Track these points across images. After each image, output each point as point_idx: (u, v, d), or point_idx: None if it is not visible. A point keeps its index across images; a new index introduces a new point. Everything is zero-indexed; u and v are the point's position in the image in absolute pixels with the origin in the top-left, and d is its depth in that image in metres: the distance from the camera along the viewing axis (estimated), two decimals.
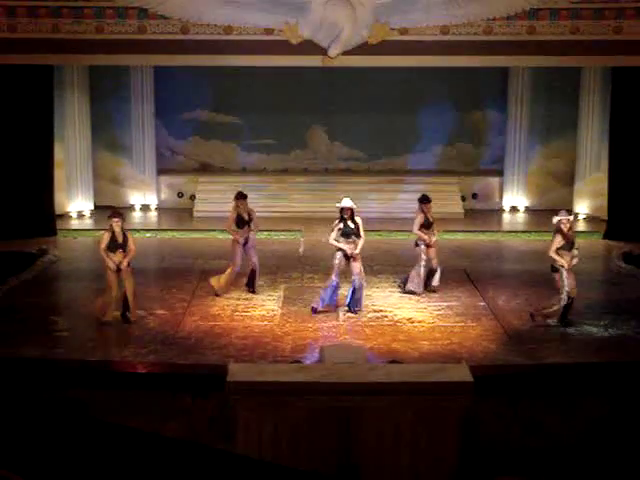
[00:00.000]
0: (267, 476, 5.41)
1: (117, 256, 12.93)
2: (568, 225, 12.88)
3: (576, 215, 13.08)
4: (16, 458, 5.42)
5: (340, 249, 13.49)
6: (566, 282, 12.81)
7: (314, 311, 13.53)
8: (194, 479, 5.23)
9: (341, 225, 13.49)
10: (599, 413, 10.67)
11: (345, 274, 13.79)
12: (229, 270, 14.38)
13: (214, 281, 14.40)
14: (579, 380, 10.95)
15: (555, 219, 12.96)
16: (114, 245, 12.95)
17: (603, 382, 10.96)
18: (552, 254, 12.83)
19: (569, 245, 12.89)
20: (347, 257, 13.51)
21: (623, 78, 17.97)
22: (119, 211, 13.74)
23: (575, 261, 12.96)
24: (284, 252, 17.22)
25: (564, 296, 12.85)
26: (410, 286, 14.52)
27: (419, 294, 14.43)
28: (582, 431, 10.54)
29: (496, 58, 16.16)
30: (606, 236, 18.57)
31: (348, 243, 13.47)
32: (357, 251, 13.46)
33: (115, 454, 5.63)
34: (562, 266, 12.79)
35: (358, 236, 13.50)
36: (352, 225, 13.46)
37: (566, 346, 12.33)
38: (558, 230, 12.89)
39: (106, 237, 12.99)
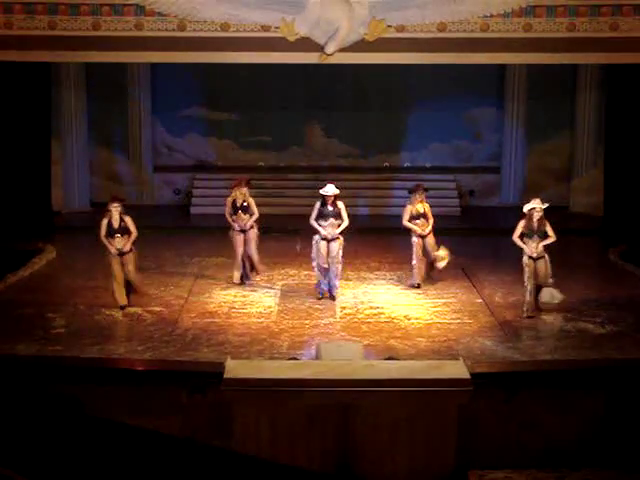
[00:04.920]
0: (264, 473, 5.43)
1: (117, 241, 13.08)
2: (540, 214, 13.06)
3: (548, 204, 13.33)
4: (13, 456, 5.43)
5: (319, 232, 13.79)
6: (526, 270, 13.06)
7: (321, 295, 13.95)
8: (191, 476, 5.24)
9: (319, 206, 13.74)
10: (595, 410, 10.71)
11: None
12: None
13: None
14: (575, 376, 10.98)
15: (526, 207, 13.22)
16: (112, 231, 13.12)
17: (599, 379, 10.99)
18: (515, 239, 13.18)
19: (534, 233, 13.06)
20: (326, 239, 13.74)
21: (619, 75, 17.98)
22: (119, 196, 13.91)
23: (540, 248, 13.06)
24: (281, 249, 17.21)
25: (527, 285, 13.10)
26: (411, 281, 14.71)
27: (417, 286, 14.58)
28: (578, 427, 10.58)
29: (493, 55, 16.15)
30: (602, 233, 18.59)
31: (326, 226, 13.69)
32: (337, 231, 13.68)
33: (112, 451, 5.65)
34: (526, 253, 13.11)
35: (337, 219, 13.69)
36: (331, 208, 13.67)
37: (562, 342, 12.33)
38: (524, 216, 13.17)
39: (104, 224, 13.20)
